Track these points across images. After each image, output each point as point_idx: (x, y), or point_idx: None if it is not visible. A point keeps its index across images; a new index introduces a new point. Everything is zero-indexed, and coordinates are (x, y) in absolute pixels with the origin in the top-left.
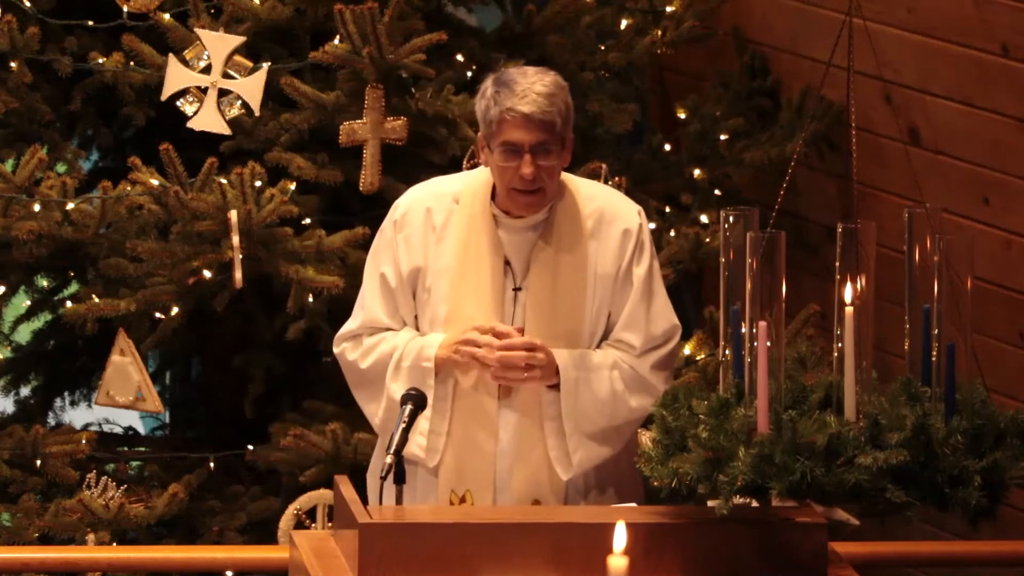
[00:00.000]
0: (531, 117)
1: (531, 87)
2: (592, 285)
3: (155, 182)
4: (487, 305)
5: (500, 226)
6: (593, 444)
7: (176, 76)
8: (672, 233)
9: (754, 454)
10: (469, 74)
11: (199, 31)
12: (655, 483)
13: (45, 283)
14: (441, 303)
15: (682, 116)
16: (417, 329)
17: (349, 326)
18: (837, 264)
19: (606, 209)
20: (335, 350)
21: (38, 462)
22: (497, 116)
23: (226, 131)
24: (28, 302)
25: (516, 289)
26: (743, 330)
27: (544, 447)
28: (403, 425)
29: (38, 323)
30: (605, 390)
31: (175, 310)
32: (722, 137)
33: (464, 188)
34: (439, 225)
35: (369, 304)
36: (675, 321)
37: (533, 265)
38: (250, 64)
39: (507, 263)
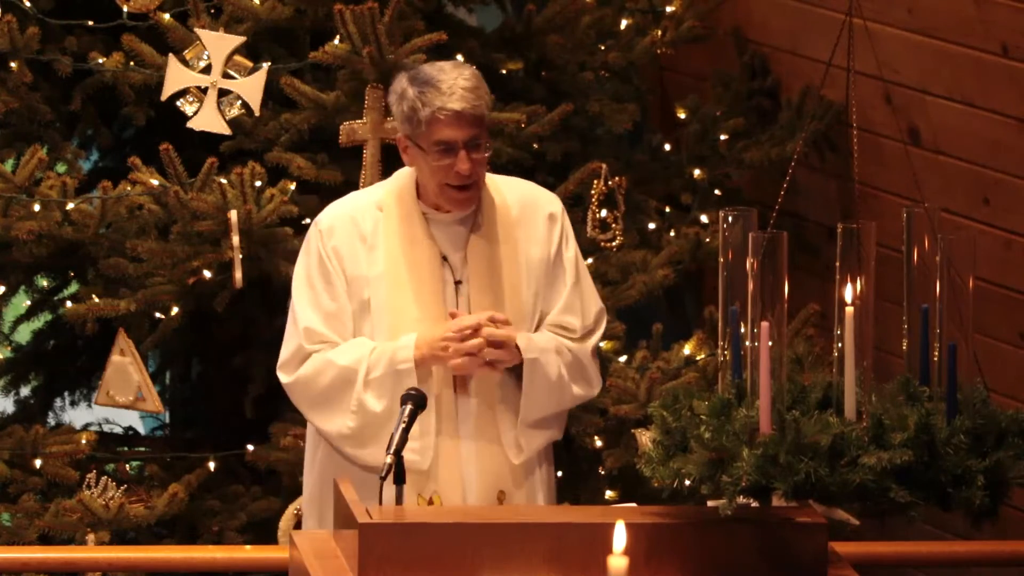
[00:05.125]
0: (463, 114)
1: (456, 83)
2: (526, 271)
3: (155, 182)
4: (429, 302)
5: (431, 223)
6: (543, 429)
7: (176, 76)
8: (672, 233)
9: (758, 454)
10: None
11: (199, 31)
12: (656, 484)
13: (45, 283)
14: (383, 309)
15: (682, 116)
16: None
17: (288, 350)
18: (837, 264)
19: (528, 196)
20: (283, 379)
21: (38, 462)
22: (428, 116)
23: (226, 131)
24: (28, 302)
25: (457, 283)
26: (743, 330)
27: (503, 438)
28: (403, 425)
29: (38, 323)
30: (554, 374)
31: (175, 310)
32: (722, 137)
33: (385, 195)
34: (368, 233)
35: (306, 321)
36: (602, 304)
37: (470, 257)
38: (250, 64)
39: (444, 259)
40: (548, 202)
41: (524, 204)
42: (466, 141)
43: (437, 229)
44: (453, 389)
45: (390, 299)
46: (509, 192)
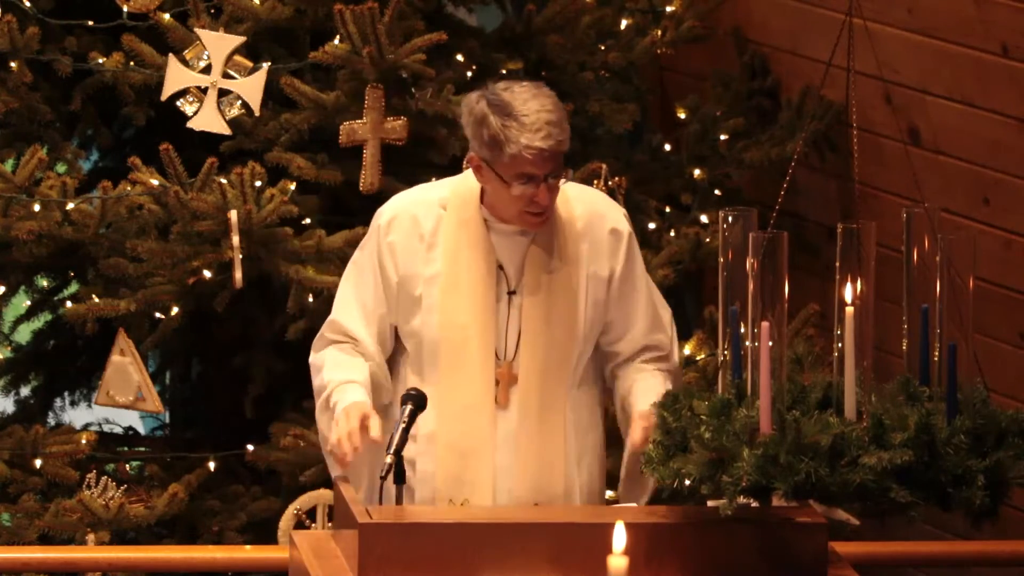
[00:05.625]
0: (548, 151)
1: (539, 116)
2: (585, 286)
3: (155, 182)
4: (479, 310)
5: (491, 230)
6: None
7: (176, 76)
8: (672, 233)
9: (758, 454)
10: (469, 74)
11: (199, 31)
12: (656, 483)
13: (45, 283)
14: (433, 310)
15: (682, 116)
16: (398, 336)
17: (321, 331)
18: (837, 264)
19: (594, 210)
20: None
21: (38, 462)
22: (515, 152)
23: (226, 131)
24: (28, 302)
25: (511, 293)
26: (743, 330)
27: (543, 453)
28: (403, 425)
29: (38, 323)
30: None
31: (175, 310)
32: (722, 137)
33: (451, 194)
34: (428, 232)
35: (336, 312)
36: (669, 308)
37: (527, 268)
38: (250, 64)
39: (500, 267)
40: (613, 217)
41: (591, 217)
42: (548, 173)
43: (497, 237)
44: (494, 404)
45: (442, 300)
46: (577, 204)
